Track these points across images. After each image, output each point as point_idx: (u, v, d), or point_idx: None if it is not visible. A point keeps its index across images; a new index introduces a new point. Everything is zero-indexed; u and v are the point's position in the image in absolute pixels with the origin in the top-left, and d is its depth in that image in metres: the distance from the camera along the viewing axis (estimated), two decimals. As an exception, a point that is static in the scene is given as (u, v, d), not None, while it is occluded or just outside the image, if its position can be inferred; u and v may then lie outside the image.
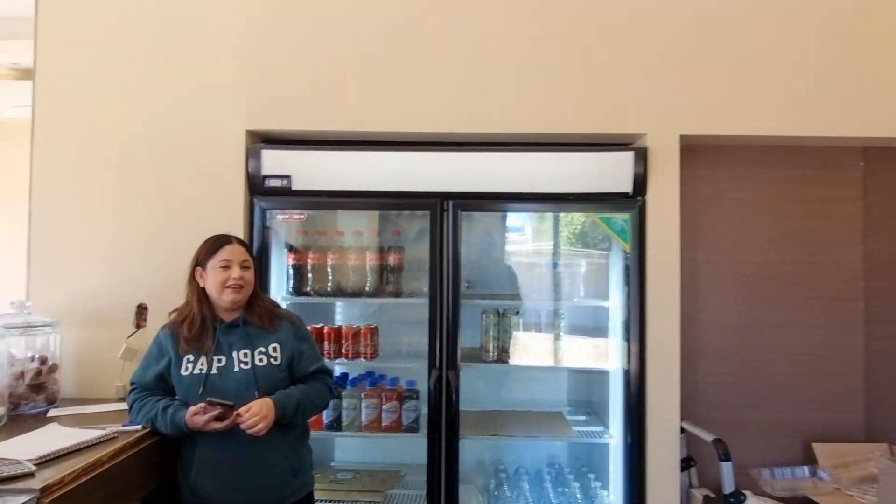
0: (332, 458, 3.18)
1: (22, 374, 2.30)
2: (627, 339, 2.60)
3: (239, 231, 2.57)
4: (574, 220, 2.97)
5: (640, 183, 2.59)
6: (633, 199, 2.62)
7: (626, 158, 2.59)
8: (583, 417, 3.05)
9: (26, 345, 2.40)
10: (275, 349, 2.16)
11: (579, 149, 2.63)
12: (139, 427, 2.07)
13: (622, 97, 2.63)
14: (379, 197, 2.63)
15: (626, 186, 2.60)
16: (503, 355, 2.75)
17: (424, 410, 2.73)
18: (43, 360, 2.37)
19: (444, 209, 2.60)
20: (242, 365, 2.11)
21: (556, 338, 2.74)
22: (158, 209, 2.62)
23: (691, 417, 2.64)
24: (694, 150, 2.74)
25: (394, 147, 2.63)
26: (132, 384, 2.18)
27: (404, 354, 2.90)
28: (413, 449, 3.05)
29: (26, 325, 2.37)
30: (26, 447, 1.81)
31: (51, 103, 2.66)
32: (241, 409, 1.96)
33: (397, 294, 2.78)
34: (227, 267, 2.12)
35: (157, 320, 2.51)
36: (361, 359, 2.74)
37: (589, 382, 3.23)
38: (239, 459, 2.05)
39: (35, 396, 2.33)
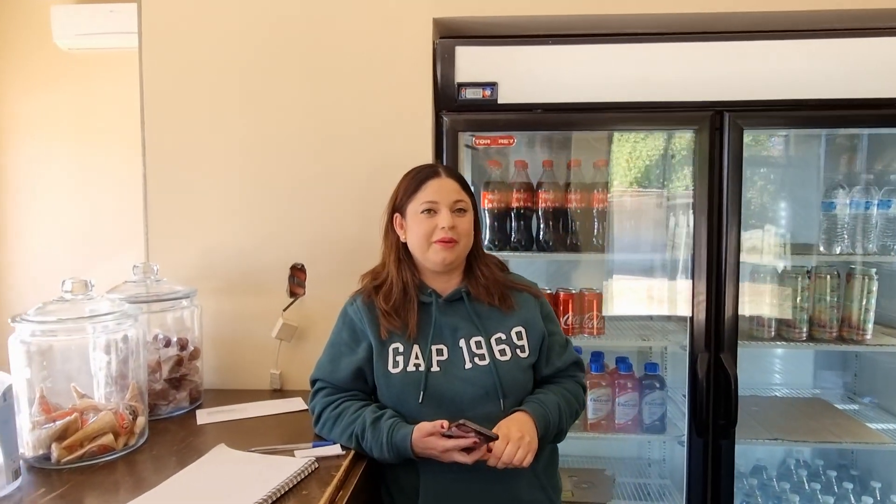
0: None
1: (158, 366, 1.67)
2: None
3: (425, 159, 1.85)
4: (867, 140, 2.12)
5: None
6: None
7: None
8: (853, 407, 2.30)
9: (150, 322, 1.77)
10: (519, 335, 1.47)
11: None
12: (338, 448, 1.42)
13: None
14: (622, 110, 1.85)
15: None
16: (788, 331, 1.99)
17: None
18: (183, 345, 1.73)
19: (716, 126, 1.82)
20: (477, 360, 1.43)
21: (863, 307, 1.95)
22: (314, 136, 1.91)
23: None
24: None
25: (640, 38, 1.84)
26: (316, 382, 1.52)
27: (637, 328, 2.17)
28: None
29: (155, 297, 1.72)
30: (210, 493, 1.17)
31: (162, 15, 1.93)
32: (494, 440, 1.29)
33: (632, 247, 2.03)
34: (432, 211, 1.42)
35: (320, 286, 1.86)
36: (585, 335, 2.03)
37: (845, 357, 2.46)
38: (484, 496, 1.39)
39: (175, 394, 1.70)
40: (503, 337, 1.46)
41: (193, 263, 1.92)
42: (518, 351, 1.45)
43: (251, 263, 1.92)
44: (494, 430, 1.31)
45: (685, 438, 1.92)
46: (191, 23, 1.91)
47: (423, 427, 1.32)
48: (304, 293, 1.92)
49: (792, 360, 2.50)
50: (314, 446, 1.43)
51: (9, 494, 1.22)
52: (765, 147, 2.16)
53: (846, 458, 2.38)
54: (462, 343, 1.44)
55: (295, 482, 1.25)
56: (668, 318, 2.19)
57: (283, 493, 1.20)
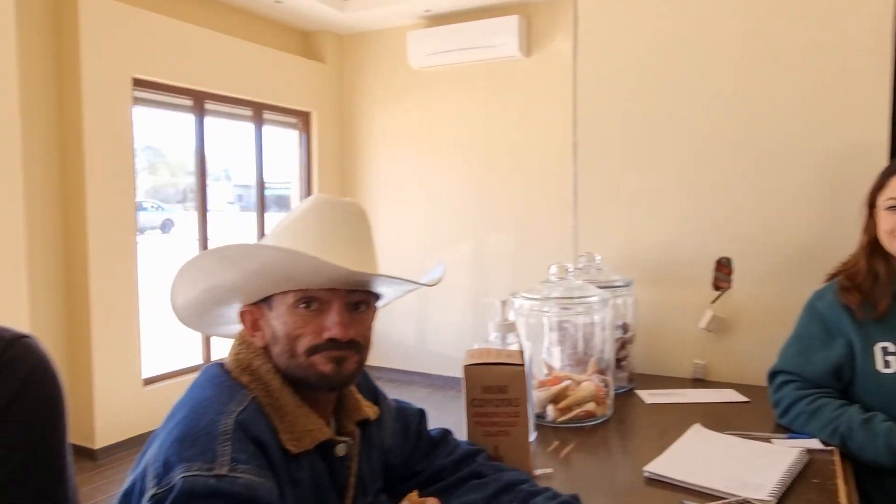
0: None
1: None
2: None
3: (878, 150, 1.74)
4: None
5: None
6: None
7: None
8: None
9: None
10: None
11: None
12: (817, 442, 1.41)
13: None
14: None
15: None
16: None
17: None
18: (626, 328, 1.89)
19: None
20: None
21: None
22: (744, 128, 1.90)
23: None
24: None
25: None
26: (780, 374, 1.53)
27: None
28: None
29: (602, 284, 1.89)
30: (725, 464, 1.27)
31: (596, 17, 2.09)
32: None
33: None
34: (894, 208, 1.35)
35: (747, 282, 1.87)
36: None
37: None
38: None
39: (618, 373, 1.86)
40: None
41: (621, 255, 2.08)
42: None
43: (677, 256, 2.01)
44: None
45: None
46: (623, 24, 2.05)
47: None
48: (730, 287, 1.94)
49: None
50: (789, 437, 1.45)
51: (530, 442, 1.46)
52: None
53: None
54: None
55: (798, 469, 1.28)
56: None
57: (793, 477, 1.24)
